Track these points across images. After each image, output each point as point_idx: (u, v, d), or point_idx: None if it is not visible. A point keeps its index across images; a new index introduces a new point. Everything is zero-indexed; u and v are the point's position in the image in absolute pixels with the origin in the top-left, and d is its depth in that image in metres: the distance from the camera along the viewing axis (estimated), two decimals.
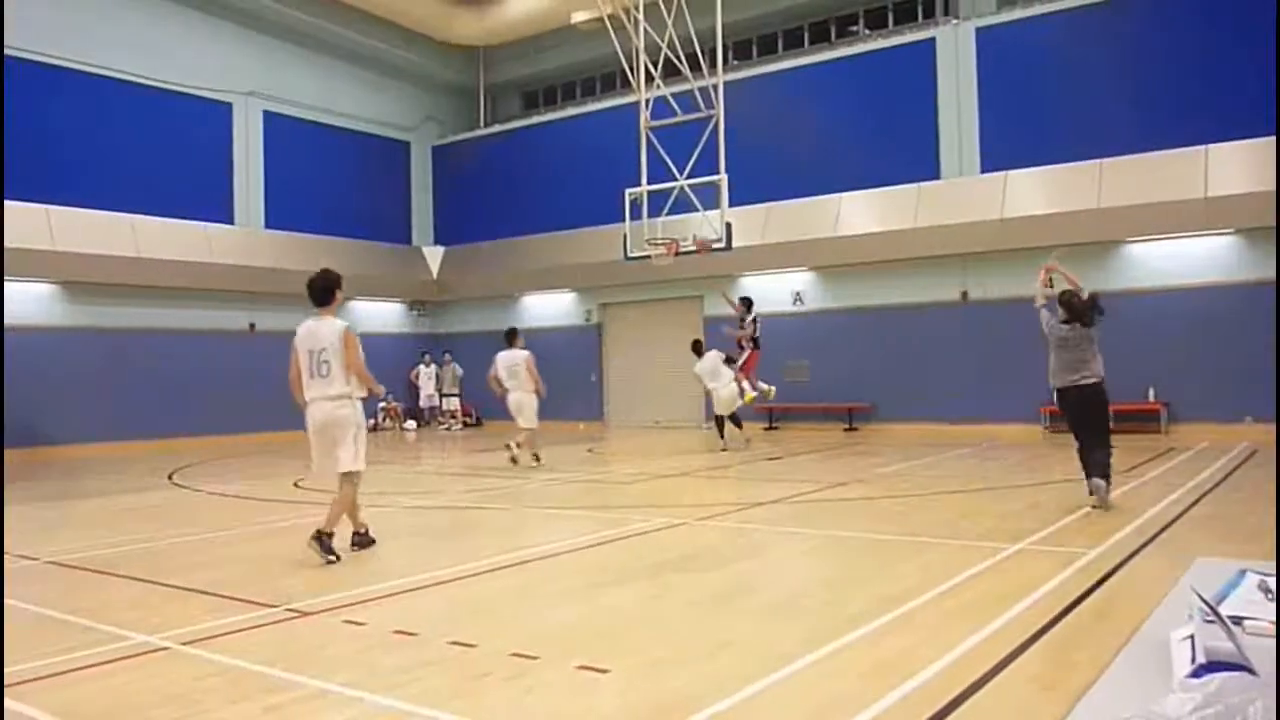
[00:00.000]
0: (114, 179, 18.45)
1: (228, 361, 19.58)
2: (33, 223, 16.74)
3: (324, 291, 7.49)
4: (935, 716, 3.39)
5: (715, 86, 15.32)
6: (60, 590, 6.04)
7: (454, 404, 23.03)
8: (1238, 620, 1.82)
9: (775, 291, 19.63)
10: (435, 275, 24.36)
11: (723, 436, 15.58)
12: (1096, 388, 8.17)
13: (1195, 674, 1.56)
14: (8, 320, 16.31)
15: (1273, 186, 13.74)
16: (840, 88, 18.97)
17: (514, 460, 13.28)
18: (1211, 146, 14.99)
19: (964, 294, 17.59)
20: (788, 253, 18.84)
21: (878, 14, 20.55)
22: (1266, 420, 14.13)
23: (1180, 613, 1.88)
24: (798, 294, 19.41)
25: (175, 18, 19.95)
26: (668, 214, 15.78)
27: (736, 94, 16.94)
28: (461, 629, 4.74)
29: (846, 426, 18.46)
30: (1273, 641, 1.74)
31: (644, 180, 15.87)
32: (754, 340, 15.60)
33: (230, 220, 20.61)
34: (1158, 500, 8.47)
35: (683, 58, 15.64)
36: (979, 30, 17.54)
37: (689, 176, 15.50)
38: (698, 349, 15.70)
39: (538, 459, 13.41)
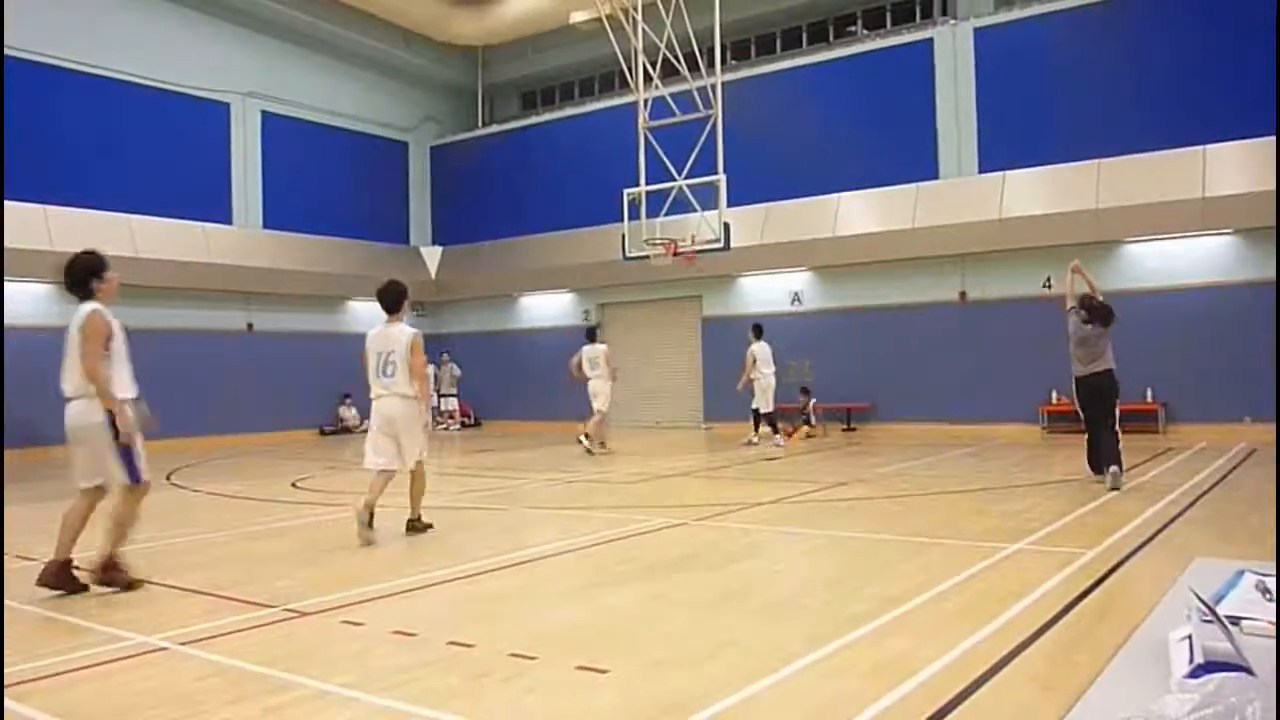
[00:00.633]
0: (112, 179, 18.43)
1: (225, 361, 19.58)
2: (31, 223, 16.73)
3: (394, 301, 7.88)
4: (935, 716, 3.39)
5: (713, 87, 15.34)
6: (58, 590, 6.02)
7: (452, 404, 23.03)
8: (1236, 620, 1.83)
9: (774, 292, 19.66)
10: (433, 275, 24.35)
11: (756, 430, 15.97)
12: (1109, 374, 9.52)
13: (1193, 674, 1.56)
14: (6, 320, 16.28)
15: (1270, 186, 13.76)
16: (839, 88, 18.98)
17: (589, 451, 14.78)
18: (1209, 147, 15.01)
19: (962, 294, 17.60)
20: (786, 253, 18.85)
21: (876, 14, 20.56)
22: (1265, 420, 14.14)
23: (1179, 613, 1.88)
24: (796, 294, 19.42)
25: (174, 18, 19.94)
26: (666, 214, 15.79)
27: (735, 94, 16.96)
28: (460, 629, 4.75)
29: (845, 426, 18.48)
30: (1271, 642, 1.74)
31: (642, 180, 15.88)
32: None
33: (228, 220, 20.60)
34: (1156, 500, 8.48)
35: (681, 58, 15.65)
36: (977, 30, 17.55)
37: (687, 177, 15.51)
38: (759, 332, 16.10)
39: (603, 445, 15.00)
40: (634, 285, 20.55)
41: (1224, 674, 1.48)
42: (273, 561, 6.80)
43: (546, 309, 23.08)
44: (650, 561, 6.52)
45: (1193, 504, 8.29)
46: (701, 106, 15.44)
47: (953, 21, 18.23)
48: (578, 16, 20.66)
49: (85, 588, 5.88)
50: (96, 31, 18.58)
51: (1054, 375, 16.54)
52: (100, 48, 18.57)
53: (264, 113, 21.43)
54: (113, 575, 5.93)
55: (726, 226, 15.08)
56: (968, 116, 17.54)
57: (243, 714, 3.63)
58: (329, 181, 22.47)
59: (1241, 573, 2.19)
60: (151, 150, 19.24)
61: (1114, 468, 9.00)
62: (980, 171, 17.31)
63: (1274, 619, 1.84)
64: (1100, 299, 9.77)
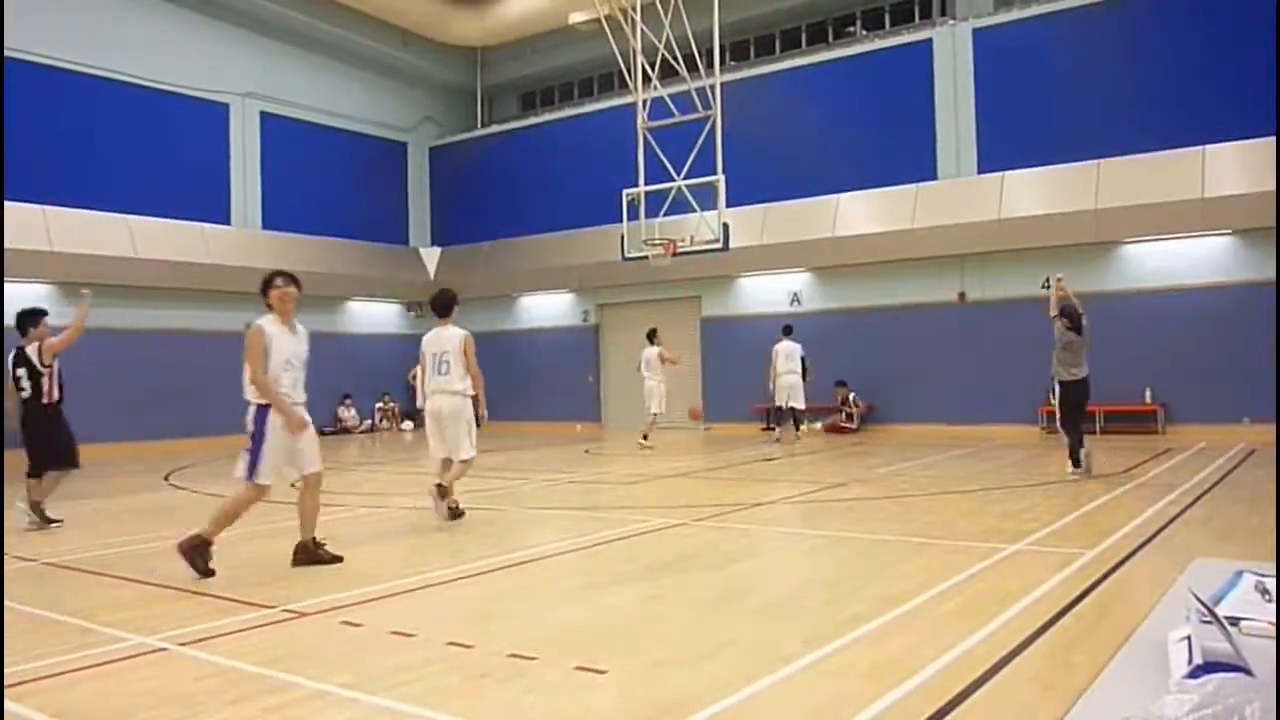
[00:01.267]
0: (111, 180, 18.43)
1: (224, 362, 19.39)
2: (30, 223, 16.72)
3: (445, 306, 8.65)
4: (935, 716, 3.40)
5: (712, 87, 15.34)
6: (58, 591, 6.03)
7: None
8: (1235, 621, 1.83)
9: (773, 292, 19.66)
10: (432, 276, 24.33)
11: (778, 425, 16.74)
12: (1087, 380, 10.55)
13: (1192, 675, 1.57)
14: (5, 321, 16.28)
15: (1269, 187, 13.77)
16: (838, 88, 18.99)
17: (642, 447, 15.65)
18: (1208, 147, 15.02)
19: (961, 295, 17.61)
20: (785, 253, 18.85)
21: (875, 15, 20.57)
22: (1264, 421, 14.15)
23: (1178, 613, 1.88)
24: (795, 295, 19.42)
25: (173, 19, 19.94)
26: (665, 214, 15.79)
27: (734, 95, 16.96)
28: (459, 630, 4.75)
29: (833, 426, 18.46)
30: (1270, 642, 1.75)
31: (641, 181, 15.88)
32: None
33: (227, 221, 20.59)
34: (1155, 501, 8.49)
35: (680, 58, 15.65)
36: (976, 31, 17.56)
37: (687, 177, 15.51)
38: (787, 331, 16.81)
39: (644, 439, 15.84)
40: (633, 285, 20.55)
41: (1223, 674, 1.48)
42: (272, 562, 6.80)
43: (546, 309, 23.09)
44: (650, 562, 6.52)
45: (1192, 504, 8.29)
46: (700, 107, 15.44)
47: (952, 22, 18.24)
48: (577, 17, 20.65)
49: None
50: (95, 32, 18.58)
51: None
52: (99, 48, 18.57)
53: (263, 113, 21.43)
54: (196, 560, 6.34)
55: (725, 227, 15.09)
56: (967, 117, 17.55)
57: (242, 714, 3.63)
58: (328, 182, 22.47)
59: (1241, 573, 2.19)
60: (150, 151, 19.23)
61: (1085, 449, 10.45)
62: (979, 172, 17.32)
63: (1273, 620, 1.84)
64: (1080, 309, 10.67)
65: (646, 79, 15.95)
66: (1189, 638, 1.70)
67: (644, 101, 16.01)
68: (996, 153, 17.09)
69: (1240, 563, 2.31)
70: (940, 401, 17.35)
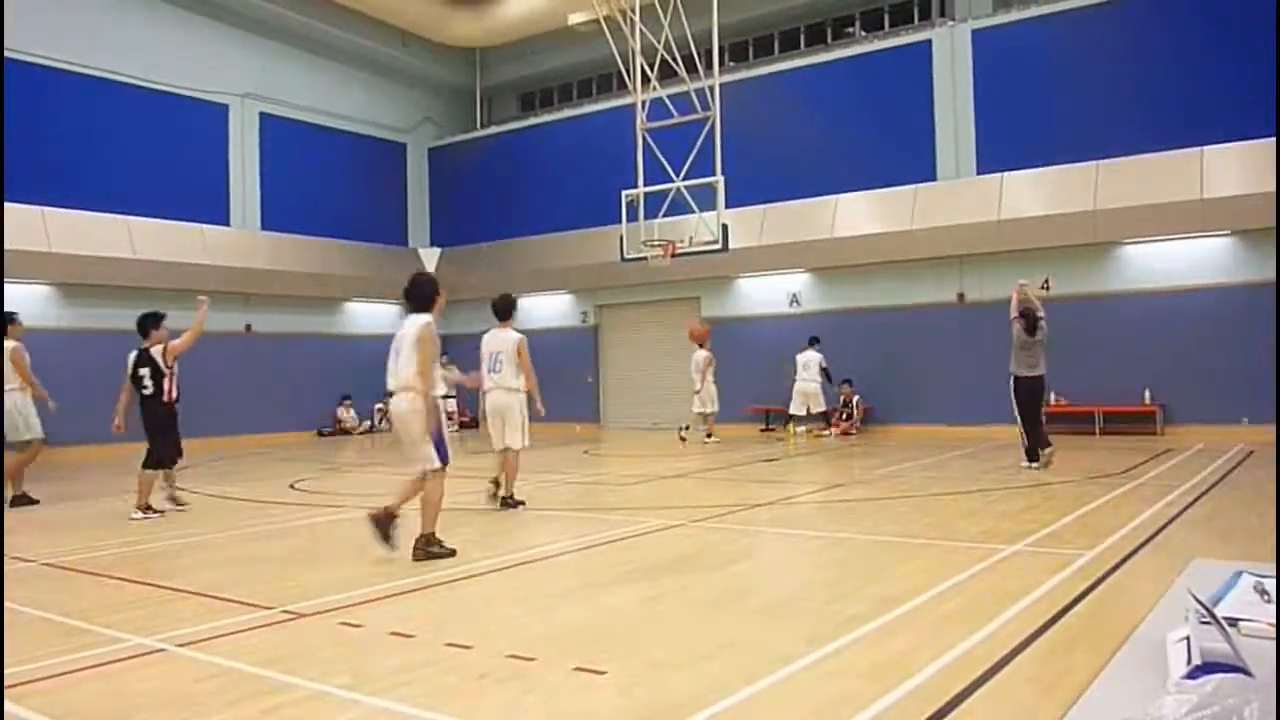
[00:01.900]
0: (110, 180, 18.42)
1: (224, 363, 19.55)
2: (29, 224, 16.71)
3: (505, 310, 9.44)
4: (934, 717, 3.40)
5: (711, 88, 15.33)
6: (57, 592, 6.02)
7: (451, 406, 22.99)
8: (1234, 622, 1.83)
9: (772, 293, 19.66)
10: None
11: (793, 424, 17.49)
12: (1043, 379, 11.55)
13: (1191, 675, 1.57)
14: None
15: (1268, 188, 13.78)
16: (837, 89, 18.99)
17: (705, 440, 16.82)
18: (1207, 148, 15.02)
19: (960, 295, 17.61)
20: (784, 254, 18.85)
21: (874, 16, 20.57)
22: (1263, 422, 14.16)
23: (1177, 614, 1.88)
24: (795, 295, 19.43)
25: (172, 20, 19.93)
26: (664, 215, 15.79)
27: (733, 96, 16.96)
28: (458, 631, 4.75)
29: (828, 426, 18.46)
30: (1268, 643, 1.75)
31: (641, 182, 15.87)
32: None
33: (226, 222, 20.59)
34: (1154, 501, 8.49)
35: (679, 59, 15.65)
36: (975, 32, 17.56)
37: (686, 178, 15.51)
38: (812, 342, 17.47)
39: (710, 436, 16.99)
40: (632, 286, 20.55)
41: (1222, 675, 1.49)
42: (271, 563, 6.80)
43: (545, 310, 23.07)
44: (649, 563, 6.52)
45: (1191, 505, 8.29)
46: (700, 108, 15.43)
47: (951, 23, 18.25)
48: (576, 18, 20.65)
49: (388, 539, 6.72)
50: (95, 33, 18.57)
51: (1052, 377, 16.48)
52: (98, 49, 18.56)
53: (262, 114, 21.43)
54: (432, 550, 6.71)
55: (725, 228, 15.09)
56: (966, 118, 17.56)
57: (241, 715, 3.63)
58: (327, 183, 22.46)
59: (1239, 574, 2.19)
60: (149, 151, 19.22)
61: (1035, 460, 11.37)
62: (978, 173, 17.32)
63: (1272, 620, 1.84)
64: (1040, 314, 11.65)
65: (646, 80, 15.95)
66: (1188, 638, 1.70)
67: (643, 102, 16.01)
68: (995, 153, 17.10)
69: (1239, 563, 2.32)
70: (939, 402, 17.35)
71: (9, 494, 10.22)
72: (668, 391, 21.12)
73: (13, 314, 10.82)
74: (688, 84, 15.56)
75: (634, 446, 17.19)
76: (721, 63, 16.48)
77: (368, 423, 22.63)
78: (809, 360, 17.29)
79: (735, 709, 3.56)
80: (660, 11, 15.46)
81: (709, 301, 20.53)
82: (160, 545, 7.80)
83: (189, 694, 3.89)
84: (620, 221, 16.15)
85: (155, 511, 9.28)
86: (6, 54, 16.69)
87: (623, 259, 16.36)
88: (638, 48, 15.79)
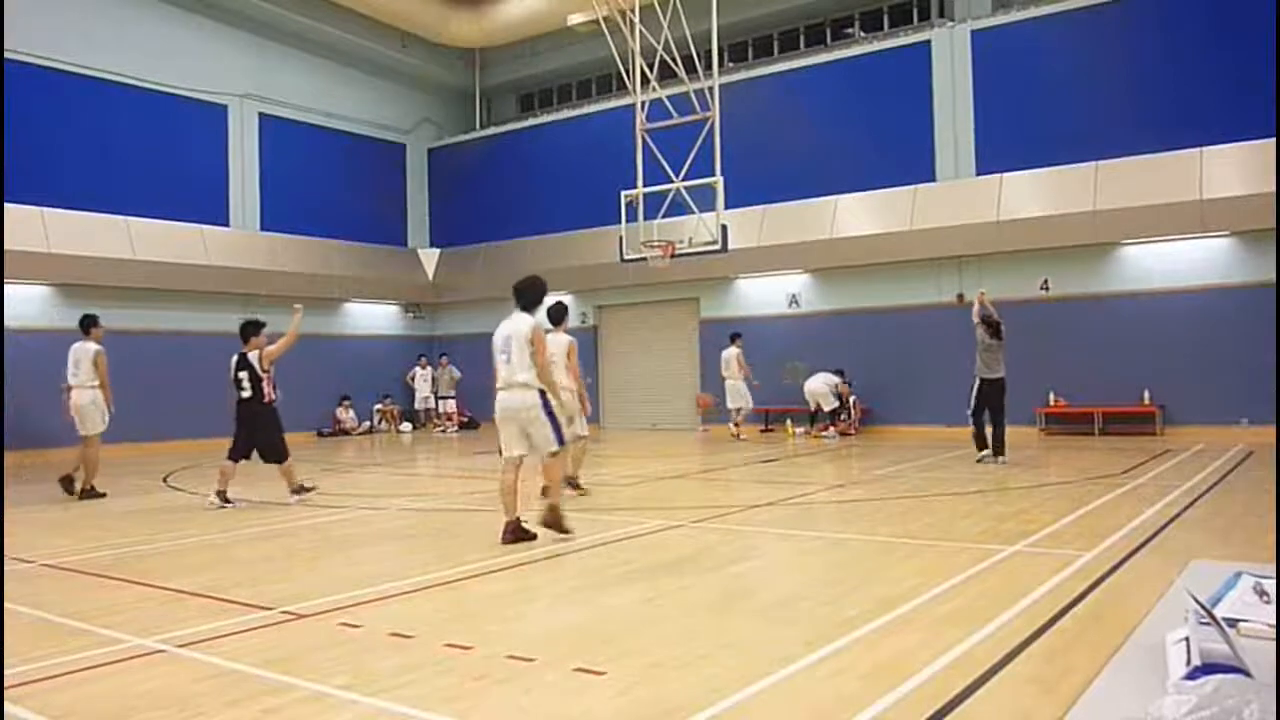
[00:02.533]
0: (109, 181, 18.42)
1: (223, 363, 19.44)
2: (28, 225, 16.71)
3: (558, 316, 9.81)
4: (934, 718, 3.40)
5: (711, 89, 15.33)
6: (56, 593, 6.02)
7: (450, 406, 23.01)
8: (1233, 622, 1.83)
9: (771, 294, 19.66)
10: (431, 277, 24.35)
11: (812, 423, 17.88)
12: (1004, 380, 12.22)
13: (1190, 676, 1.57)
14: (5, 322, 16.25)
15: (1267, 189, 13.79)
16: (836, 90, 19.00)
17: (736, 436, 17.36)
18: (1207, 149, 15.03)
19: (960, 296, 17.57)
20: (784, 255, 18.86)
21: (873, 16, 20.58)
22: (1263, 423, 14.17)
23: (1176, 615, 1.88)
24: (794, 296, 19.43)
25: (171, 20, 19.93)
26: (664, 216, 15.78)
27: (732, 96, 16.97)
28: (458, 631, 4.74)
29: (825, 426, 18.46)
30: (1268, 644, 1.75)
31: (640, 182, 15.86)
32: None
33: (226, 222, 20.59)
34: (1154, 502, 8.49)
35: (678, 60, 15.65)
36: (974, 33, 17.57)
37: (685, 179, 15.51)
38: (841, 377, 17.96)
39: (738, 435, 17.28)
40: (632, 287, 20.56)
41: (1221, 676, 1.49)
42: (270, 563, 6.80)
43: (544, 311, 23.03)
44: (648, 564, 6.52)
45: (1190, 506, 8.30)
46: (699, 108, 15.43)
47: (950, 23, 18.26)
48: (575, 18, 20.65)
49: (535, 536, 7.26)
50: (94, 34, 18.57)
51: (1052, 377, 16.60)
52: (98, 50, 18.56)
53: (261, 115, 21.42)
54: (557, 520, 7.31)
55: (724, 228, 15.09)
56: (965, 118, 17.56)
57: (240, 716, 3.63)
58: (327, 183, 22.46)
59: (1239, 575, 2.19)
60: (149, 152, 19.23)
61: (1003, 457, 12.14)
62: (978, 173, 17.33)
63: (1271, 621, 1.84)
64: (997, 318, 12.41)
65: (645, 80, 15.94)
66: (1187, 639, 1.70)
67: (642, 103, 16.01)
68: (995, 154, 17.11)
69: (1238, 564, 2.32)
70: (939, 403, 17.32)
71: (80, 485, 11.00)
72: (667, 392, 21.13)
73: (94, 316, 11.36)
74: (687, 84, 15.56)
75: (634, 447, 17.19)
76: (721, 63, 16.48)
77: (367, 423, 22.62)
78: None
79: (735, 710, 3.56)
80: (660, 12, 15.46)
81: (708, 302, 20.53)
82: (159, 546, 7.79)
83: (188, 694, 3.89)
84: (620, 222, 16.15)
85: (306, 489, 10.22)
86: (6, 54, 16.69)
87: (622, 260, 16.36)
88: (637, 48, 15.79)
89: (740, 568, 6.50)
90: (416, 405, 23.35)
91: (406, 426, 23.00)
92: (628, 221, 16.02)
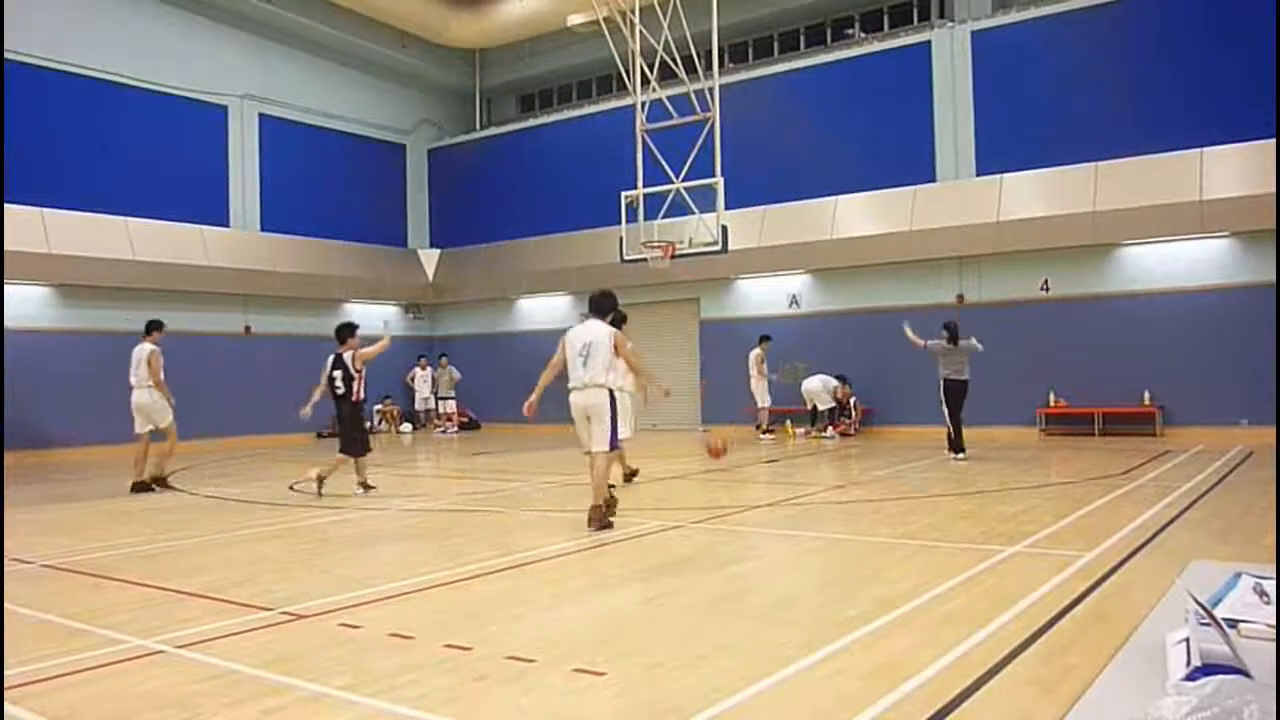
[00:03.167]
0: (109, 182, 18.43)
1: (223, 364, 19.56)
2: (28, 225, 16.71)
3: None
4: (933, 718, 3.40)
5: (711, 89, 15.32)
6: (55, 594, 6.02)
7: (450, 407, 23.00)
8: (1233, 623, 1.83)
9: (772, 294, 19.66)
10: (431, 278, 24.35)
11: (813, 424, 18.08)
12: (967, 382, 13.33)
13: (1190, 677, 1.57)
14: (5, 322, 16.26)
15: (1267, 189, 13.80)
16: (836, 91, 19.00)
17: (771, 437, 17.84)
18: (1206, 149, 15.03)
19: (960, 297, 17.61)
20: (784, 255, 18.86)
21: (873, 17, 20.59)
22: (1262, 423, 14.17)
23: (1176, 616, 1.88)
24: (794, 297, 19.43)
25: (171, 21, 19.94)
26: (664, 216, 15.78)
27: (732, 97, 16.96)
28: (457, 632, 4.74)
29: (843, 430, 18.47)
30: (1268, 644, 1.75)
31: (640, 183, 15.86)
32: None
33: (226, 223, 20.59)
34: (1154, 503, 8.49)
35: (679, 60, 15.64)
36: (974, 33, 17.57)
37: (685, 179, 15.50)
38: (843, 380, 18.09)
39: (762, 433, 17.84)
40: (632, 288, 20.49)
41: (1221, 676, 1.49)
42: (270, 564, 6.80)
43: (544, 311, 23.07)
44: (647, 564, 6.51)
45: (1190, 507, 8.29)
46: (699, 109, 15.42)
47: (950, 24, 18.26)
48: (575, 19, 20.66)
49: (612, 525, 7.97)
50: (94, 34, 18.58)
51: (1052, 378, 16.61)
52: (98, 51, 18.57)
53: (262, 115, 21.43)
54: (605, 516, 8.03)
55: (724, 229, 15.08)
56: (965, 119, 17.56)
57: (240, 716, 3.63)
58: (327, 184, 22.47)
59: (1239, 575, 2.19)
60: (149, 153, 19.24)
61: (961, 452, 13.26)
62: (978, 174, 17.33)
63: (1271, 622, 1.84)
64: (956, 326, 13.55)
65: (645, 81, 15.94)
66: (1187, 640, 1.70)
67: (643, 103, 16.00)
68: (995, 155, 17.11)
69: (1238, 565, 2.32)
70: (938, 404, 17.30)
71: (146, 474, 11.84)
72: (679, 393, 21.10)
73: (158, 321, 12.07)
74: (687, 85, 15.55)
75: (634, 447, 17.14)
76: (721, 64, 16.48)
77: (368, 424, 22.59)
78: (822, 378, 17.99)
79: (735, 710, 3.56)
80: (660, 13, 15.46)
81: (708, 302, 20.53)
82: (159, 546, 7.79)
83: (187, 695, 3.89)
84: (620, 223, 16.15)
85: (370, 486, 10.92)
86: (6, 54, 16.70)
87: (622, 260, 16.35)
88: (637, 49, 15.78)
89: (740, 568, 6.49)
90: (417, 406, 23.35)
91: (407, 427, 23.00)
92: (628, 222, 16.01)
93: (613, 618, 5.11)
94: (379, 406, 22.95)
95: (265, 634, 4.87)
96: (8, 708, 3.70)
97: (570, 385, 8.25)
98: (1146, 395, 15.79)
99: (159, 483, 11.91)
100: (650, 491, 10.82)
